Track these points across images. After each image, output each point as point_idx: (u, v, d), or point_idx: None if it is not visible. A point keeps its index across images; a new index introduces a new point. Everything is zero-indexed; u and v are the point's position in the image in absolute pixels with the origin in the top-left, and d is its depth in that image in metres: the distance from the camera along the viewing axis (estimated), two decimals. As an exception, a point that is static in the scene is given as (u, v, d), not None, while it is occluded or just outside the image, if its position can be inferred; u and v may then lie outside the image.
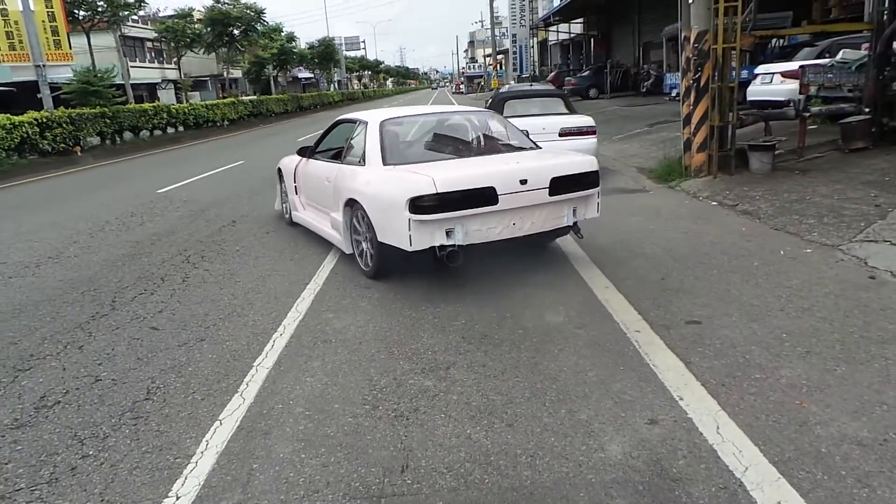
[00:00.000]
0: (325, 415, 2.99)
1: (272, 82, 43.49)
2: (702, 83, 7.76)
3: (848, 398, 2.84)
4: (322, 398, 3.15)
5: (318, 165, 6.03)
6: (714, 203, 6.94)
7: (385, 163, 4.85)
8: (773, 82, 11.93)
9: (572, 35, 43.30)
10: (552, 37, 46.89)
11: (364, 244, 4.98)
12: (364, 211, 4.75)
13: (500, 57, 56.35)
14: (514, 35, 51.17)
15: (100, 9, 26.55)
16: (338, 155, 5.90)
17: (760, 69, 12.73)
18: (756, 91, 12.41)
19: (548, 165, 4.65)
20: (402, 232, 4.28)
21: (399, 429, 2.83)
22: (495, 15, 52.71)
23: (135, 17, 33.09)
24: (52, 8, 18.23)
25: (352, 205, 5.01)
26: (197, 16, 37.68)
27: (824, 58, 10.58)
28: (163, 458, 2.71)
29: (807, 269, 4.59)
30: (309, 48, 51.99)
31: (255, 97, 35.58)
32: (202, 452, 2.74)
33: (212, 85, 48.46)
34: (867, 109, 8.22)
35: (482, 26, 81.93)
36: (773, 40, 14.54)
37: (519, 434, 2.73)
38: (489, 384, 3.19)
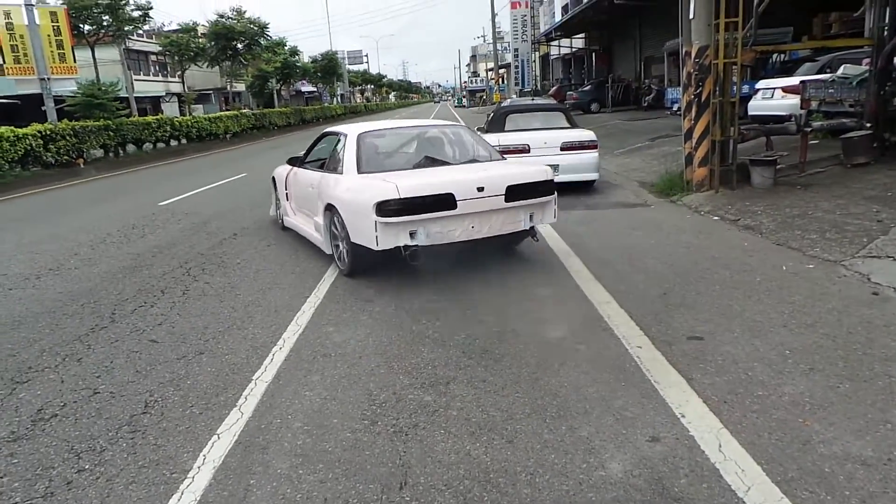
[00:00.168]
0: (323, 430, 2.97)
1: (276, 96, 43.74)
2: (703, 98, 7.79)
3: (851, 416, 2.80)
4: (321, 413, 3.13)
5: (305, 174, 6.46)
6: (716, 218, 6.93)
7: (360, 171, 5.32)
8: (774, 97, 12.00)
9: (574, 50, 43.52)
10: (554, 51, 47.09)
11: (341, 245, 5.37)
12: (339, 215, 5.18)
13: (501, 71, 56.74)
14: (515, 49, 51.40)
15: (105, 23, 26.75)
16: (322, 164, 6.26)
17: (761, 84, 12.81)
18: (757, 106, 12.48)
19: (504, 174, 5.09)
20: (370, 233, 4.74)
21: (398, 444, 2.80)
22: (497, 30, 53.18)
23: (139, 32, 33.31)
24: (57, 22, 18.46)
25: (331, 209, 5.40)
26: (201, 30, 37.98)
27: (825, 73, 10.64)
28: (159, 473, 2.69)
29: (809, 284, 4.57)
30: (312, 62, 52.31)
31: (258, 110, 35.78)
32: (199, 467, 2.71)
33: (215, 98, 48.81)
34: (868, 124, 8.25)
35: (484, 41, 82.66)
36: (774, 55, 14.63)
37: (519, 451, 2.70)
38: (489, 400, 3.16)
